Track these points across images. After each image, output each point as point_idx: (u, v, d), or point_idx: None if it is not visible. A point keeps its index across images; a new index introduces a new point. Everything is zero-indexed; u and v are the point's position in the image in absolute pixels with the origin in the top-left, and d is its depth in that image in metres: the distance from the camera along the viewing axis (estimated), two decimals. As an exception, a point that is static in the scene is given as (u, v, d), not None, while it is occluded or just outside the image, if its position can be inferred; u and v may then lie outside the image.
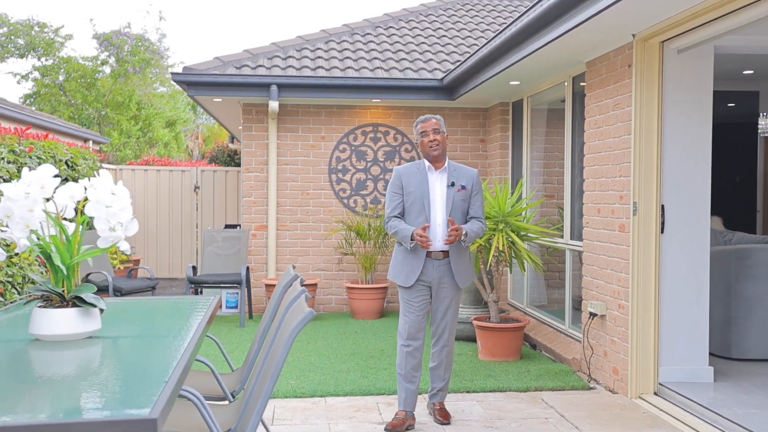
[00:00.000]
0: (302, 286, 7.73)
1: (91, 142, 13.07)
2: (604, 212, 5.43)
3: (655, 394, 5.00)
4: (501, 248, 5.84)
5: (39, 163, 6.21)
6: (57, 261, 2.82)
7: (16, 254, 5.77)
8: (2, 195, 2.89)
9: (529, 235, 6.25)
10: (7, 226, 2.83)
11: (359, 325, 7.72)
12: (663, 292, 5.04)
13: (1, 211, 2.80)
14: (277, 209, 8.60)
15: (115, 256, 10.26)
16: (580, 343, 5.94)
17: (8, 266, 5.66)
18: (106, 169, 12.10)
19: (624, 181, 5.11)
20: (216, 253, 8.55)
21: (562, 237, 6.61)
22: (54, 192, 2.87)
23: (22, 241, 2.83)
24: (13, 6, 40.60)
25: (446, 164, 4.43)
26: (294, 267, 3.81)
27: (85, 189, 2.91)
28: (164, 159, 15.06)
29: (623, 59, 5.14)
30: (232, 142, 13.89)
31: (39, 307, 2.86)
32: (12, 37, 16.09)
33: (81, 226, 2.96)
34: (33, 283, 5.38)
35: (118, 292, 7.00)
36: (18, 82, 16.20)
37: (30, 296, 3.81)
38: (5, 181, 5.42)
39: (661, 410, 4.70)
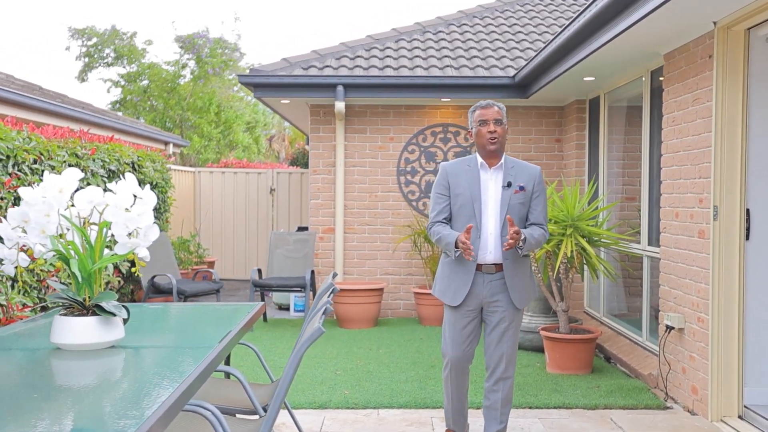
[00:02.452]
0: (369, 291, 7.54)
1: (171, 145, 13.32)
2: (683, 217, 5.00)
3: (740, 417, 4.54)
4: (569, 255, 5.47)
5: (102, 166, 6.25)
6: (74, 268, 2.71)
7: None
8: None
9: (602, 240, 5.85)
10: (25, 232, 2.75)
11: (425, 332, 7.47)
12: (748, 305, 4.57)
13: (19, 216, 2.72)
14: (344, 212, 8.45)
15: (191, 256, 10.37)
16: (657, 357, 5.50)
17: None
18: (186, 171, 12.29)
19: (704, 182, 4.68)
20: (284, 256, 8.48)
21: (639, 243, 6.17)
22: (72, 196, 2.77)
23: (38, 247, 2.73)
24: (97, 15, 42.43)
25: (502, 161, 3.77)
26: (335, 275, 3.60)
27: (104, 192, 2.80)
28: (243, 162, 15.20)
29: (703, 49, 4.70)
30: (308, 144, 13.88)
31: (60, 315, 2.77)
32: (100, 47, 16.65)
33: (105, 231, 2.85)
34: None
35: (182, 295, 6.99)
36: (108, 91, 16.80)
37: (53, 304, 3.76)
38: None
39: (744, 436, 4.25)
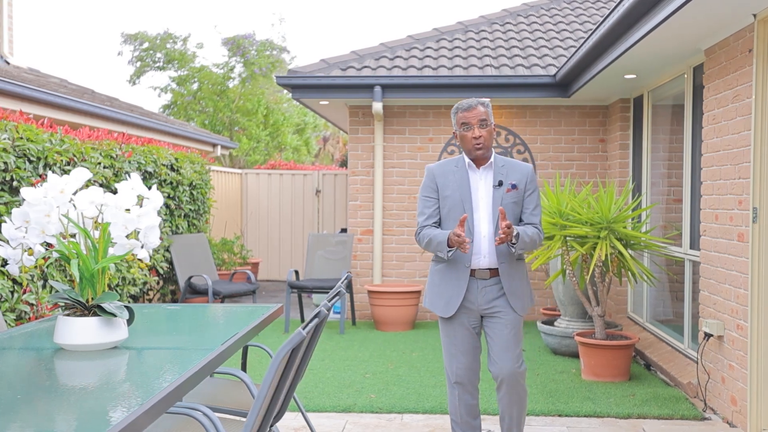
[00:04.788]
0: (406, 293, 7.43)
1: (219, 147, 13.47)
2: (722, 219, 4.77)
3: (781, 430, 4.31)
4: (603, 258, 5.29)
5: (138, 168, 6.34)
6: (74, 268, 2.71)
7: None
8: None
9: (640, 243, 5.64)
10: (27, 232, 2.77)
11: (462, 336, 7.34)
12: (791, 312, 4.33)
13: (20, 216, 2.74)
14: (383, 213, 8.39)
15: (235, 257, 10.46)
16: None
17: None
18: (233, 173, 12.42)
19: (743, 183, 4.45)
20: (324, 257, 8.46)
21: (680, 246, 5.93)
22: (73, 196, 2.77)
23: (37, 248, 2.75)
24: (148, 20, 43.51)
25: (492, 159, 3.54)
26: (348, 278, 3.53)
27: (104, 192, 2.80)
28: (290, 163, 15.27)
29: (743, 44, 4.48)
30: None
31: (63, 315, 2.78)
32: (151, 51, 17.00)
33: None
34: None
35: (217, 296, 7.04)
36: (159, 96, 17.16)
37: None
38: (101, 186, 5.54)
39: (784, 451, 4.03)
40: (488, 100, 3.64)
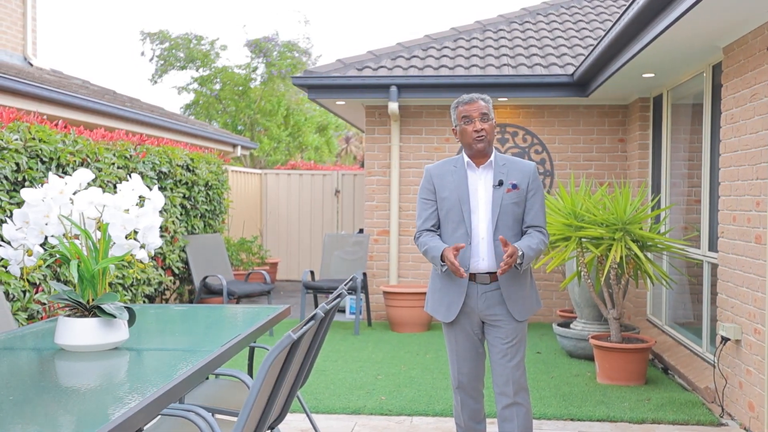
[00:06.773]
0: (421, 294, 7.38)
1: (239, 147, 13.51)
2: (740, 220, 4.67)
3: (799, 437, 4.20)
4: (618, 260, 5.21)
5: (152, 168, 6.36)
6: (73, 269, 2.71)
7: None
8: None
9: (656, 245, 5.54)
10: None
11: (477, 338, 7.28)
12: (810, 317, 4.23)
13: (20, 217, 2.74)
14: (399, 214, 8.35)
15: (253, 257, 10.48)
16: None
17: (119, 268, 5.81)
18: (252, 173, 12.45)
19: (761, 184, 4.35)
20: (340, 258, 8.45)
21: (699, 248, 5.82)
22: (73, 196, 2.77)
23: (36, 248, 2.75)
24: (172, 21, 43.90)
25: (492, 158, 3.39)
26: (353, 278, 3.50)
27: (102, 192, 2.79)
28: (310, 163, 15.27)
29: (761, 41, 4.38)
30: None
31: (64, 316, 2.78)
32: (173, 51, 17.09)
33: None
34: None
35: (232, 296, 7.05)
36: (179, 93, 17.24)
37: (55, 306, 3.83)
38: (114, 186, 5.56)
39: (801, 458, 3.92)
40: (488, 97, 3.52)
